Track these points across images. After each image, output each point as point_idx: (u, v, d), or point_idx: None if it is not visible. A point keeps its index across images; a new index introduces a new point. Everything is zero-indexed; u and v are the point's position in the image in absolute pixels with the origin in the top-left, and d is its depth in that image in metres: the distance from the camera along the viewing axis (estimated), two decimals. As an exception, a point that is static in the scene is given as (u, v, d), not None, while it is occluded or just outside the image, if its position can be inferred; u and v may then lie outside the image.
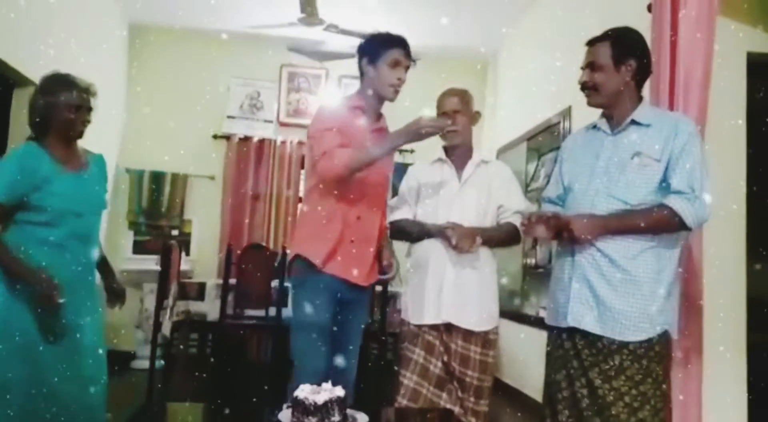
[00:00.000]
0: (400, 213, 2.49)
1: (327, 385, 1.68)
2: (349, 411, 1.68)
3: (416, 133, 2.09)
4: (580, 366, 1.89)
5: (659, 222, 1.82)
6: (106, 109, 5.09)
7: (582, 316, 1.88)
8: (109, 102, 5.23)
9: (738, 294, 2.66)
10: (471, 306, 2.35)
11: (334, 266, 2.22)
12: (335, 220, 2.24)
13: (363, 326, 2.44)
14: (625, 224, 1.84)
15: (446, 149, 2.50)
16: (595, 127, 2.05)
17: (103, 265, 2.40)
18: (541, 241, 2.13)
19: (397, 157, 5.73)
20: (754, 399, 2.57)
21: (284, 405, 1.73)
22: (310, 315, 2.18)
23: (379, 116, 2.37)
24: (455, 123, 2.37)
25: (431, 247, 2.37)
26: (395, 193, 2.61)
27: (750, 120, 2.71)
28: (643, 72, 1.98)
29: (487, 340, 2.38)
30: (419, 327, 2.36)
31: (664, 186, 1.85)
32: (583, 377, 1.88)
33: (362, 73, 2.31)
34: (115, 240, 5.39)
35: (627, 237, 1.85)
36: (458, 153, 2.46)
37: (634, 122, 1.93)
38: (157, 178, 5.52)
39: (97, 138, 4.82)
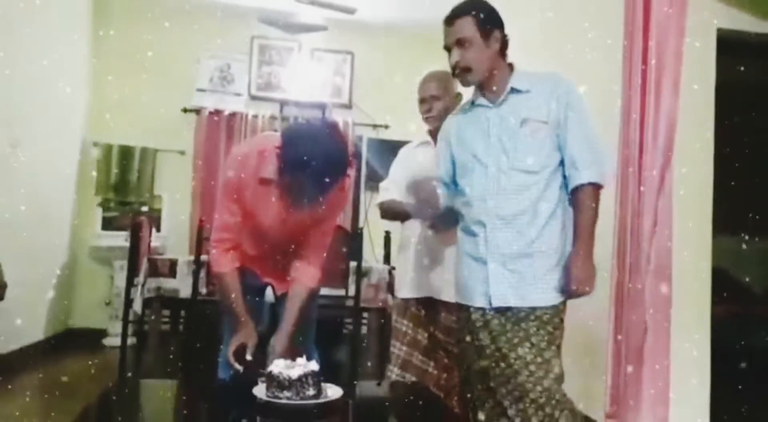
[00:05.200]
0: (388, 194, 2.56)
1: (301, 360, 1.70)
2: (323, 384, 1.70)
3: None
4: (489, 336, 1.89)
5: (595, 202, 1.87)
6: (70, 80, 4.99)
7: (505, 296, 1.87)
8: (73, 73, 5.09)
9: (703, 269, 2.71)
10: (451, 281, 2.40)
11: None
12: None
13: None
14: (591, 234, 1.87)
15: (431, 132, 2.53)
16: (473, 103, 2.00)
17: None
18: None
19: (372, 132, 5.71)
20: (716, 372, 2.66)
21: (259, 380, 1.74)
22: None
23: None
24: (433, 109, 2.43)
25: (413, 226, 2.49)
26: (373, 172, 2.65)
27: (718, 95, 2.75)
28: (506, 41, 1.97)
29: None
30: (406, 300, 2.51)
31: (561, 145, 1.88)
32: (489, 347, 1.89)
33: None
34: (84, 216, 5.29)
35: (531, 208, 1.86)
36: None
37: (513, 90, 1.92)
38: (125, 152, 5.40)
39: (62, 110, 4.74)
